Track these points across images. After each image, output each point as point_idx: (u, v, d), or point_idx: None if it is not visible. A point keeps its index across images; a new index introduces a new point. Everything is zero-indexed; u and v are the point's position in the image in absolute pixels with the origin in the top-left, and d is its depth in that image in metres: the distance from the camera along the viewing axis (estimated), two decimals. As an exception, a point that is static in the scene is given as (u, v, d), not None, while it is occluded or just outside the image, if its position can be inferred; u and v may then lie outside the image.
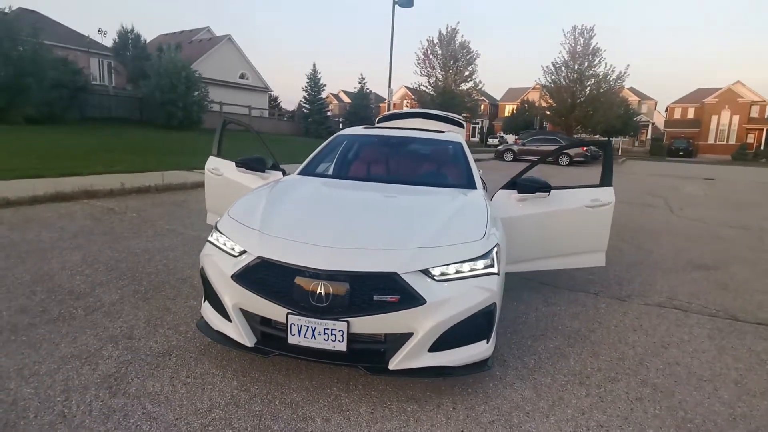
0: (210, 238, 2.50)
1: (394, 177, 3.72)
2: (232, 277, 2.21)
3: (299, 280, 2.07)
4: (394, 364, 2.09)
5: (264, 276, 2.17)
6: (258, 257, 2.20)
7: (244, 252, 2.27)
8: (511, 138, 34.52)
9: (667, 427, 2.11)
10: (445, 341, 2.12)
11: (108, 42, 26.21)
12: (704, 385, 2.50)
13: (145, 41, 26.02)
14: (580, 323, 3.26)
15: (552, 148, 20.24)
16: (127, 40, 25.11)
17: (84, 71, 21.07)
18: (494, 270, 2.26)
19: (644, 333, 3.15)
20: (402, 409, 2.13)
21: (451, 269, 2.17)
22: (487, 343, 2.26)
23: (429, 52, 32.71)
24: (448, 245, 2.27)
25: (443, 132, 4.43)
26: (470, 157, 3.79)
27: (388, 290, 2.06)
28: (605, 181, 3.45)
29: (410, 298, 2.05)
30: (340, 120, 36.70)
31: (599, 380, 2.49)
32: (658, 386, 2.46)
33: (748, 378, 2.60)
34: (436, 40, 32.54)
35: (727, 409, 2.28)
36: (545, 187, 3.27)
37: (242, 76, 32.82)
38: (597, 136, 34.45)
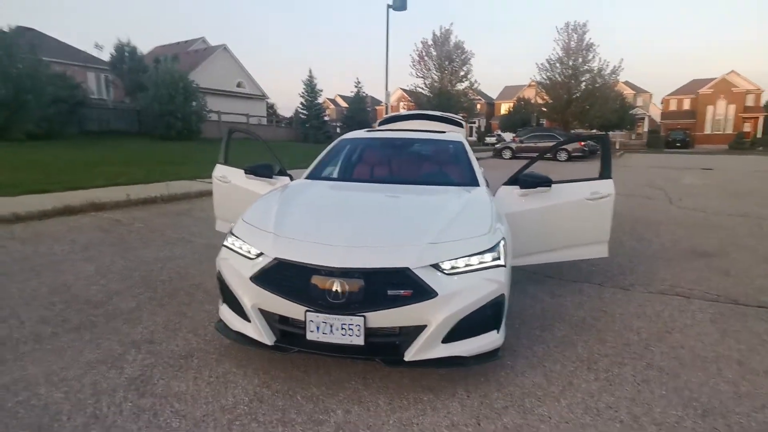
0: (226, 243, 2.59)
1: (399, 177, 3.81)
2: (251, 278, 2.30)
3: (315, 279, 2.16)
4: (409, 355, 2.17)
5: (281, 276, 2.26)
6: (275, 258, 2.29)
7: (260, 254, 2.36)
8: (508, 136, 34.56)
9: (674, 405, 2.20)
10: (457, 332, 2.21)
11: (105, 56, 26.35)
12: (708, 366, 2.58)
13: (142, 54, 26.15)
14: (586, 312, 3.34)
15: (550, 144, 20.33)
16: (124, 53, 25.24)
17: (82, 86, 21.17)
18: (501, 262, 2.35)
19: (648, 319, 3.23)
20: (419, 399, 2.22)
21: (461, 263, 2.26)
22: (497, 333, 2.34)
23: (424, 53, 32.86)
24: (456, 240, 2.36)
25: (444, 132, 4.51)
26: (472, 155, 3.88)
27: (401, 285, 2.15)
28: (604, 173, 3.54)
29: (423, 292, 2.14)
30: (338, 124, 36.85)
31: (607, 365, 2.58)
32: (664, 369, 2.54)
33: (751, 358, 2.68)
34: (430, 42, 32.70)
35: (731, 388, 2.36)
36: (546, 182, 3.36)
37: (239, 85, 32.96)
38: (594, 131, 34.56)
